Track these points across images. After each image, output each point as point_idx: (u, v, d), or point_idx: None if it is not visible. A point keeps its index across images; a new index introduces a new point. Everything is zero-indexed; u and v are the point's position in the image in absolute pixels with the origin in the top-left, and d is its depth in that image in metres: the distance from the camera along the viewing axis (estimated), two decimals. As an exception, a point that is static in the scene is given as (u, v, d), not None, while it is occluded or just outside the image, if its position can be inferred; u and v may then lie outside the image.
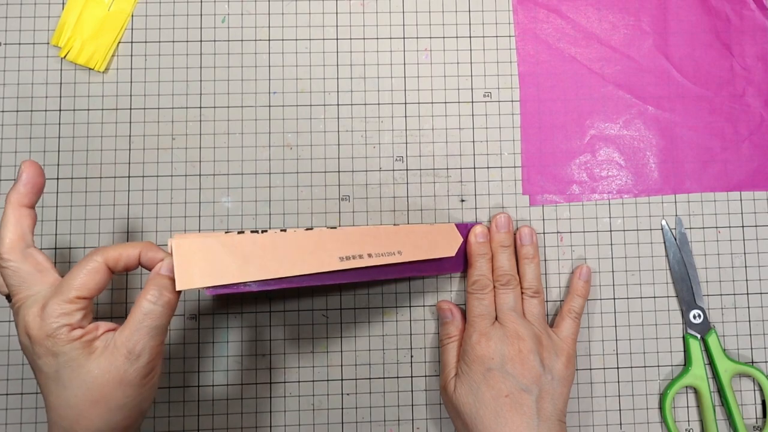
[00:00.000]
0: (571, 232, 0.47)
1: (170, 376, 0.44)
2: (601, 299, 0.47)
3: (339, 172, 0.47)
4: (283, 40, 0.47)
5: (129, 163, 0.46)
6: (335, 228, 0.39)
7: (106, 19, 0.46)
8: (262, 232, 0.37)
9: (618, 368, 0.46)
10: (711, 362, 0.46)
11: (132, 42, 0.47)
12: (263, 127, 0.47)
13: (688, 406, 0.46)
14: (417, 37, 0.48)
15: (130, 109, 0.46)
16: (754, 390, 0.46)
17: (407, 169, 0.47)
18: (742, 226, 0.48)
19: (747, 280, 0.47)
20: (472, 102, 0.48)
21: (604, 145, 0.48)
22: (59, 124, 0.46)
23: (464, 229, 0.45)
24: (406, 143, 0.47)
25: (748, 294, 0.47)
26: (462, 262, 0.45)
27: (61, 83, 0.46)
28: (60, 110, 0.46)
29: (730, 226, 0.47)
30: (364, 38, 0.48)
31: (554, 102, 0.48)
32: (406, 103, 0.47)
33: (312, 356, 0.45)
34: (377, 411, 0.45)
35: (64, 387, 0.33)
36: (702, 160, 0.48)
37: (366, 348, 0.45)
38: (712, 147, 0.48)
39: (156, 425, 0.44)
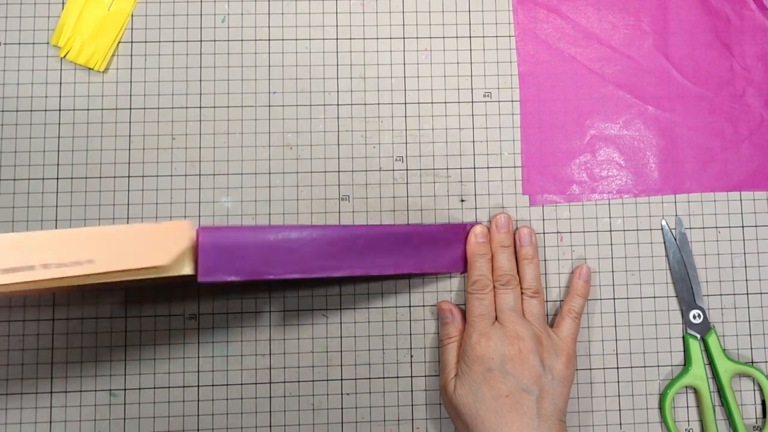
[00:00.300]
0: (571, 232, 0.47)
1: (170, 376, 0.45)
2: (601, 299, 0.47)
3: (339, 172, 0.47)
4: (283, 40, 0.47)
5: (129, 163, 0.46)
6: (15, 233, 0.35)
7: (106, 19, 0.46)
8: None
9: (618, 368, 0.46)
10: (711, 362, 0.46)
11: (132, 42, 0.47)
12: (263, 127, 0.47)
13: (687, 406, 0.46)
14: (417, 37, 0.48)
15: (130, 109, 0.46)
16: (754, 390, 0.47)
17: (407, 169, 0.47)
18: (742, 226, 0.48)
19: (747, 280, 0.47)
20: (472, 102, 0.48)
21: (604, 145, 0.48)
22: (59, 124, 0.46)
23: (464, 229, 0.45)
24: (406, 143, 0.47)
25: (748, 294, 0.47)
26: (462, 262, 0.45)
27: (61, 83, 0.46)
28: (60, 110, 0.46)
29: (730, 226, 0.47)
30: (364, 38, 0.48)
31: (554, 102, 0.48)
32: (406, 103, 0.47)
33: (312, 356, 0.45)
34: (377, 411, 0.45)
35: None
36: (702, 160, 0.48)
37: (366, 348, 0.45)
38: (712, 147, 0.48)
39: (156, 425, 0.44)
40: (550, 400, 0.40)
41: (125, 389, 0.44)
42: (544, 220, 0.47)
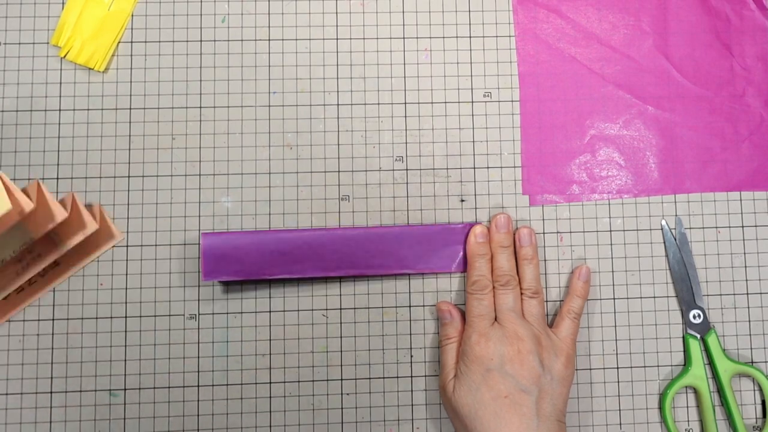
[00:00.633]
0: (571, 232, 0.47)
1: (170, 376, 0.45)
2: (601, 299, 0.47)
3: (339, 172, 0.47)
4: (283, 40, 0.47)
5: (129, 163, 0.46)
6: None
7: (106, 19, 0.46)
8: None
9: (618, 368, 0.46)
10: (711, 362, 0.46)
11: (132, 42, 0.47)
12: (263, 127, 0.47)
13: (687, 406, 0.46)
14: (417, 37, 0.48)
15: (130, 109, 0.46)
16: (754, 390, 0.47)
17: (407, 169, 0.47)
18: (742, 226, 0.48)
19: (747, 280, 0.47)
20: (472, 102, 0.48)
21: (604, 145, 0.48)
22: (59, 124, 0.46)
23: (462, 229, 0.45)
24: (406, 143, 0.47)
25: (747, 294, 0.47)
26: (461, 262, 0.45)
27: (61, 83, 0.46)
28: (60, 110, 0.46)
29: (730, 226, 0.47)
30: (364, 38, 0.48)
31: (554, 102, 0.48)
32: (406, 103, 0.47)
33: (312, 356, 0.45)
34: (377, 411, 0.45)
35: None
36: (702, 160, 0.48)
37: (366, 348, 0.46)
38: (712, 147, 0.48)
39: (156, 425, 0.44)
40: (549, 400, 0.40)
41: (125, 389, 0.44)
42: (544, 220, 0.47)
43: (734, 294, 0.47)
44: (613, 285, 0.47)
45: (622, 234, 0.47)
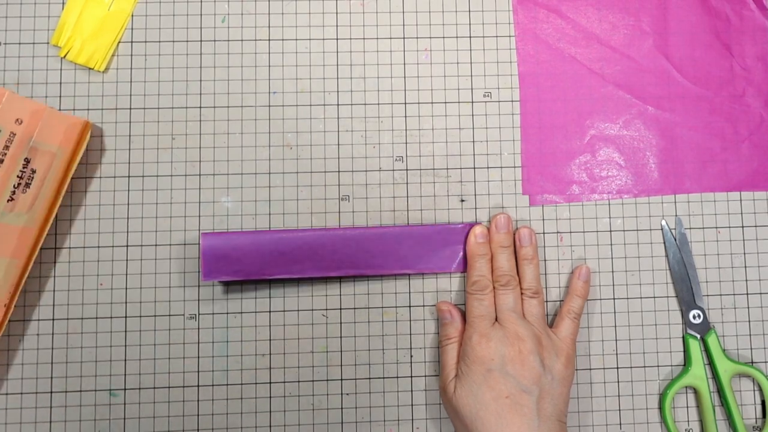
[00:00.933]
0: (571, 232, 0.47)
1: (170, 376, 0.45)
2: (601, 299, 0.47)
3: (339, 172, 0.47)
4: (283, 40, 0.47)
5: (129, 163, 0.46)
6: None
7: (106, 19, 0.46)
8: None
9: (618, 368, 0.46)
10: (711, 362, 0.46)
11: (132, 42, 0.47)
12: (263, 127, 0.47)
13: (687, 406, 0.46)
14: (417, 37, 0.48)
15: (130, 109, 0.46)
16: (754, 390, 0.47)
17: (407, 169, 0.47)
18: (742, 226, 0.48)
19: (747, 280, 0.47)
20: (472, 102, 0.48)
21: (604, 145, 0.48)
22: (59, 124, 0.46)
23: (462, 229, 0.45)
24: (406, 143, 0.47)
25: (747, 294, 0.47)
26: (460, 262, 0.45)
27: (61, 83, 0.46)
28: (60, 110, 0.46)
29: (730, 226, 0.47)
30: (364, 38, 0.48)
31: (554, 102, 0.48)
32: (406, 103, 0.47)
33: (312, 356, 0.45)
34: (377, 411, 0.45)
35: None
36: (702, 160, 0.48)
37: (366, 348, 0.45)
38: (712, 147, 0.48)
39: (156, 425, 0.44)
40: (550, 400, 0.40)
41: (125, 389, 0.44)
42: (544, 220, 0.47)
43: (734, 294, 0.47)
44: (613, 285, 0.47)
45: (622, 234, 0.47)
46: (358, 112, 0.47)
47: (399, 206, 0.46)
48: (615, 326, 0.46)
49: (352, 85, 0.47)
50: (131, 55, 0.47)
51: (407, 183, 0.47)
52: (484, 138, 0.47)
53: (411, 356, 0.46)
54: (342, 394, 0.45)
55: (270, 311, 0.45)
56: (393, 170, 0.47)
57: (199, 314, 0.45)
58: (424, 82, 0.47)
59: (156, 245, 0.45)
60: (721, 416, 0.46)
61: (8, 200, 0.40)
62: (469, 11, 0.48)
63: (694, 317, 0.46)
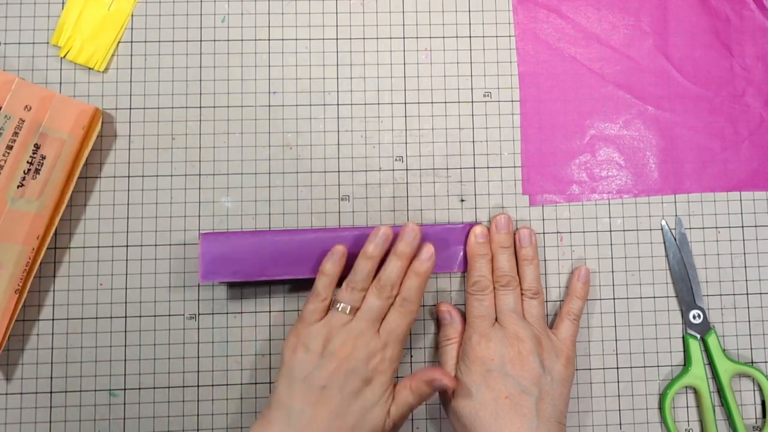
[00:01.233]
0: (571, 232, 0.47)
1: (170, 376, 0.44)
2: (601, 299, 0.47)
3: (339, 172, 0.47)
4: (283, 40, 0.47)
5: (129, 163, 0.46)
6: None
7: (106, 19, 0.46)
8: None
9: (618, 368, 0.46)
10: (711, 362, 0.46)
11: (132, 42, 0.47)
12: (263, 127, 0.47)
13: (687, 406, 0.46)
14: (417, 37, 0.48)
15: (130, 108, 0.46)
16: (754, 390, 0.47)
17: (407, 169, 0.47)
18: (742, 226, 0.48)
19: (747, 280, 0.47)
20: (472, 102, 0.48)
21: (604, 145, 0.48)
22: (59, 124, 0.46)
23: (462, 229, 0.45)
24: (406, 143, 0.47)
25: (747, 294, 0.47)
26: (461, 262, 0.45)
27: (60, 83, 0.46)
28: (60, 110, 0.46)
29: (730, 226, 0.47)
30: (364, 38, 0.48)
31: (554, 102, 0.48)
32: (406, 103, 0.47)
33: (312, 356, 0.45)
34: (377, 411, 0.45)
35: None
36: (702, 160, 0.48)
37: (366, 348, 0.45)
38: (712, 147, 0.48)
39: (156, 425, 0.44)
40: (550, 401, 0.40)
41: (125, 389, 0.44)
42: (544, 220, 0.47)
43: (734, 294, 0.47)
44: (613, 285, 0.47)
45: (622, 234, 0.47)
46: (358, 112, 0.47)
47: (399, 206, 0.46)
48: (615, 326, 0.46)
49: (352, 85, 0.47)
50: (131, 55, 0.47)
51: (407, 183, 0.47)
52: (484, 138, 0.47)
53: (411, 356, 0.46)
54: (342, 394, 0.45)
55: (270, 311, 0.45)
56: (393, 170, 0.47)
57: (199, 314, 0.45)
58: (424, 82, 0.47)
59: (156, 245, 0.45)
60: (721, 416, 0.46)
61: (18, 186, 0.41)
62: (469, 11, 0.48)
63: (694, 317, 0.46)
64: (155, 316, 0.45)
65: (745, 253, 0.47)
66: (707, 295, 0.47)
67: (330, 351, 0.39)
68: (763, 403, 0.46)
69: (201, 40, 0.47)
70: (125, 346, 0.45)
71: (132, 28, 0.47)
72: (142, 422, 0.44)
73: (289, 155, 0.46)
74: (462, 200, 0.47)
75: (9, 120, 0.40)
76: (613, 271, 0.47)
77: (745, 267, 0.47)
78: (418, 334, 0.46)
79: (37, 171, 0.41)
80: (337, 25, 0.48)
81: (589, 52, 0.48)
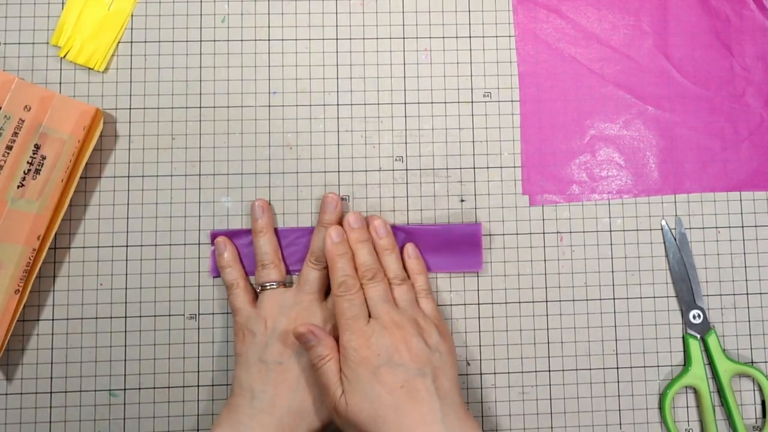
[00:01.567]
0: (571, 232, 0.47)
1: (170, 376, 0.44)
2: (601, 299, 0.47)
3: (339, 172, 0.47)
4: (283, 40, 0.47)
5: (129, 163, 0.46)
6: None
7: (105, 19, 0.46)
8: None
9: (618, 368, 0.46)
10: (711, 362, 0.46)
11: (132, 42, 0.47)
12: (263, 127, 0.47)
13: (687, 406, 0.46)
14: (417, 37, 0.48)
15: (130, 108, 0.46)
16: (754, 390, 0.47)
17: (407, 169, 0.47)
18: (742, 226, 0.48)
19: (747, 280, 0.47)
20: (472, 102, 0.48)
21: (604, 145, 0.48)
22: (59, 124, 0.46)
23: (464, 229, 0.45)
24: (406, 143, 0.47)
25: (747, 294, 0.47)
26: (466, 262, 0.45)
27: (60, 83, 0.46)
28: (60, 110, 0.46)
29: (730, 226, 0.47)
30: (364, 38, 0.48)
31: (554, 102, 0.48)
32: (406, 103, 0.47)
33: (312, 356, 0.45)
34: (377, 411, 0.45)
35: None
36: (702, 160, 0.48)
37: (366, 348, 0.45)
38: (712, 147, 0.48)
39: (156, 425, 0.44)
40: (444, 375, 0.40)
41: (125, 389, 0.44)
42: (544, 220, 0.47)
43: (734, 294, 0.47)
44: (613, 285, 0.47)
45: (622, 234, 0.47)
46: (358, 112, 0.47)
47: (399, 206, 0.46)
48: (615, 326, 0.46)
49: (352, 85, 0.47)
50: (131, 55, 0.47)
51: (407, 183, 0.47)
52: (484, 138, 0.47)
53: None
54: (342, 394, 0.45)
55: (270, 311, 0.45)
56: (393, 170, 0.47)
57: (199, 314, 0.45)
58: (424, 82, 0.47)
59: (156, 245, 0.45)
60: (721, 416, 0.46)
61: (18, 186, 0.41)
62: (469, 11, 0.48)
63: (694, 317, 0.46)
64: (155, 316, 0.45)
65: (745, 253, 0.47)
66: (707, 295, 0.47)
67: (277, 328, 0.41)
68: (763, 403, 0.46)
69: (201, 40, 0.47)
70: (125, 346, 0.45)
71: (132, 28, 0.47)
72: (142, 422, 0.44)
73: (289, 155, 0.46)
74: (462, 200, 0.47)
75: (9, 120, 0.40)
76: (613, 271, 0.47)
77: (745, 267, 0.47)
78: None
79: (38, 171, 0.41)
80: (337, 25, 0.48)
81: (589, 52, 0.48)
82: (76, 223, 0.45)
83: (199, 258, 0.45)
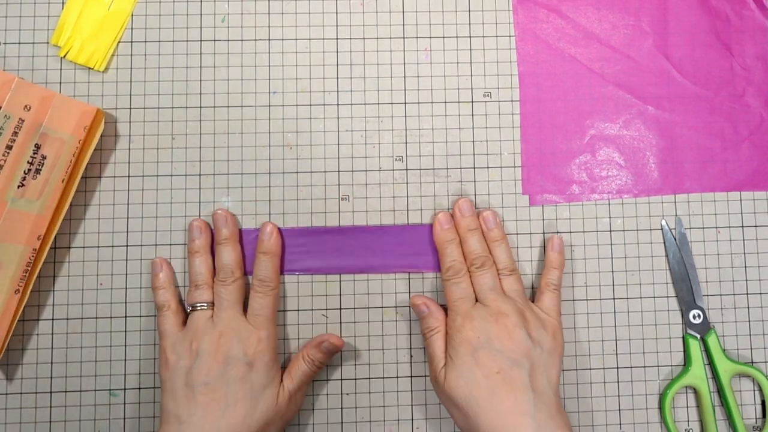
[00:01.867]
0: (571, 232, 0.47)
1: (170, 376, 0.44)
2: (601, 299, 0.47)
3: (339, 172, 0.47)
4: (283, 40, 0.47)
5: (129, 163, 0.46)
6: None
7: (105, 19, 0.46)
8: None
9: (618, 368, 0.46)
10: (711, 362, 0.46)
11: (132, 41, 0.47)
12: (263, 127, 0.47)
13: (687, 406, 0.46)
14: (417, 37, 0.48)
15: (130, 108, 0.46)
16: (754, 390, 0.47)
17: (407, 169, 0.47)
18: (742, 226, 0.48)
19: (747, 280, 0.47)
20: (472, 102, 0.48)
21: (604, 145, 0.48)
22: (59, 123, 0.46)
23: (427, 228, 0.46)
24: (406, 143, 0.47)
25: (747, 294, 0.47)
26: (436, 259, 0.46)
27: (60, 83, 0.46)
28: (60, 110, 0.46)
29: (730, 226, 0.47)
30: (364, 38, 0.48)
31: (554, 102, 0.48)
32: (406, 103, 0.47)
33: (312, 356, 0.45)
34: (377, 411, 0.45)
35: None
36: (702, 160, 0.48)
37: (366, 348, 0.45)
38: (712, 147, 0.48)
39: (156, 425, 0.44)
40: (543, 372, 0.40)
41: (125, 389, 0.44)
42: (544, 220, 0.47)
43: (734, 294, 0.47)
44: (613, 285, 0.47)
45: (622, 234, 0.47)
46: (358, 112, 0.47)
47: (399, 206, 0.46)
48: (615, 326, 0.46)
49: (352, 85, 0.47)
50: (131, 55, 0.47)
51: (407, 183, 0.47)
52: (484, 138, 0.47)
53: (411, 356, 0.46)
54: (342, 394, 0.45)
55: (270, 311, 0.45)
56: (393, 170, 0.47)
57: (199, 314, 0.45)
58: (424, 82, 0.47)
59: (156, 245, 0.45)
60: (721, 416, 0.46)
61: (19, 186, 0.41)
62: (469, 11, 0.48)
63: (694, 317, 0.46)
64: (155, 316, 0.45)
65: (745, 253, 0.47)
66: (707, 295, 0.47)
67: (203, 350, 0.41)
68: (763, 403, 0.46)
69: (201, 40, 0.47)
70: (125, 346, 0.45)
71: (132, 28, 0.47)
72: (142, 422, 0.44)
73: (289, 155, 0.46)
74: (462, 200, 0.47)
75: (8, 120, 0.40)
76: (613, 271, 0.47)
77: (745, 267, 0.47)
78: (417, 335, 0.46)
79: (38, 171, 0.41)
80: (337, 25, 0.48)
81: (589, 52, 0.48)
82: (76, 223, 0.45)
83: (199, 258, 0.45)
